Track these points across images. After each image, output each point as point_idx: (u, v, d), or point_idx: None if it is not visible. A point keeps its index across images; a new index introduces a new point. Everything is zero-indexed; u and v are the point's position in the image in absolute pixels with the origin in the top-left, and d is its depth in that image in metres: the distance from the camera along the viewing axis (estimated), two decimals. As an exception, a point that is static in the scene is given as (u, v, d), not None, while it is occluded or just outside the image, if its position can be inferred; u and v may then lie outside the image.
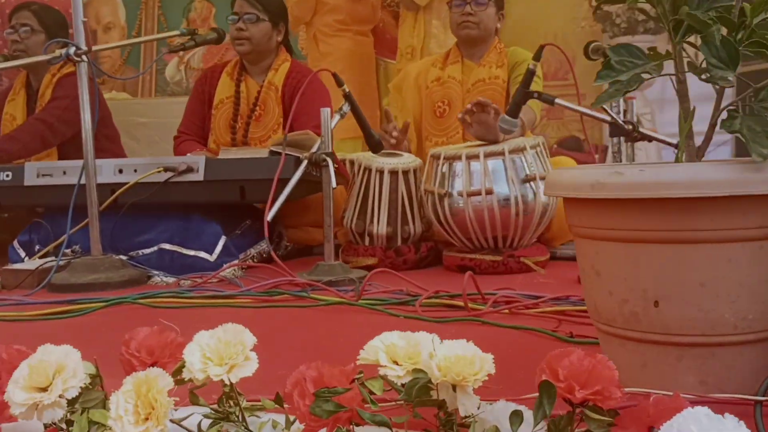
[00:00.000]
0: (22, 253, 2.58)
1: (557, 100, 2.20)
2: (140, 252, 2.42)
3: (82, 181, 2.28)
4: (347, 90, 2.33)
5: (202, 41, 2.79)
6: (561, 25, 6.24)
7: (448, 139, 2.91)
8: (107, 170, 2.45)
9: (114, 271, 2.26)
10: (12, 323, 1.77)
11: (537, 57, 2.22)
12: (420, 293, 1.83)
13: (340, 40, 4.87)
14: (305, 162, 2.24)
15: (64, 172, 2.51)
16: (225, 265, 2.32)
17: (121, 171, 2.44)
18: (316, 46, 5.01)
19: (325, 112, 2.26)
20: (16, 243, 2.62)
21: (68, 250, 2.47)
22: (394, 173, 2.44)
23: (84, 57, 2.26)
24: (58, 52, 2.25)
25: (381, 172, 2.44)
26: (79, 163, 2.49)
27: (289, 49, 3.20)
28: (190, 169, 2.37)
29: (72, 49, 2.23)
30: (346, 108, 2.34)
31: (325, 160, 2.21)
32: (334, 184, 2.21)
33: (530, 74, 2.23)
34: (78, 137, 3.21)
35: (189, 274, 2.30)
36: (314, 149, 2.26)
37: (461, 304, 1.72)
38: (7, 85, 3.74)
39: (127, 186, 2.36)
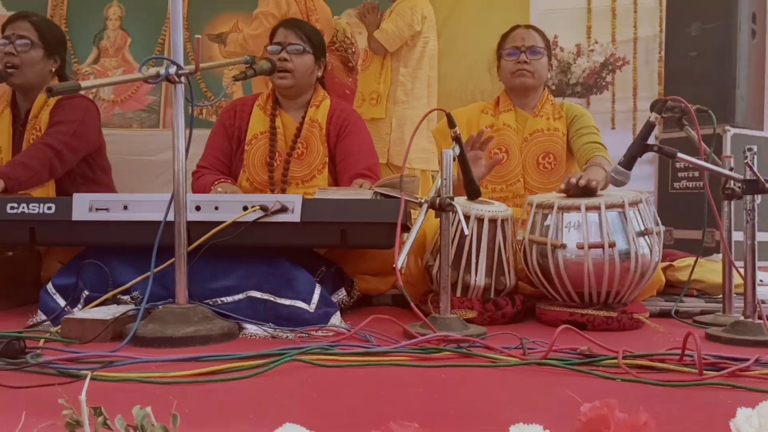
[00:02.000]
0: (60, 300, 2.21)
1: (679, 154, 2.16)
2: (221, 300, 2.13)
3: (165, 218, 1.99)
4: (458, 132, 2.19)
5: (260, 71, 2.56)
6: (488, 83, 6.38)
7: (507, 186, 2.83)
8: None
9: (207, 322, 1.97)
10: (166, 386, 1.47)
11: (659, 110, 2.19)
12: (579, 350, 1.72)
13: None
14: (426, 206, 2.07)
15: (125, 207, 2.18)
16: (332, 317, 2.09)
17: (198, 208, 2.16)
18: (265, 83, 4.79)
19: (448, 154, 2.10)
20: (50, 287, 2.24)
21: (126, 297, 2.14)
22: (492, 221, 2.32)
23: (183, 79, 1.99)
24: (153, 71, 1.97)
25: (480, 220, 2.31)
26: (140, 196, 2.20)
27: (323, 86, 3.01)
28: (284, 209, 2.13)
29: (173, 69, 1.96)
30: (456, 151, 2.19)
31: (451, 204, 2.05)
32: (467, 231, 2.05)
33: (649, 127, 2.19)
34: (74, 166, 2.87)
35: (291, 327, 2.05)
36: (432, 192, 2.10)
37: (666, 365, 1.62)
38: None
39: (224, 225, 2.08)
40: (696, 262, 2.53)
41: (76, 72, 6.58)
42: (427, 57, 4.74)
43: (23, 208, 2.19)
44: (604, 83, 6.13)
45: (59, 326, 2.06)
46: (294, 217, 2.13)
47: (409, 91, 4.61)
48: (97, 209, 2.18)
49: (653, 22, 6.20)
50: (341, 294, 2.36)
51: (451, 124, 2.18)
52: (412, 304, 2.02)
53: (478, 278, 2.29)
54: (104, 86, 2.67)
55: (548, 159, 2.84)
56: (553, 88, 6.07)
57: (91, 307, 2.09)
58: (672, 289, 2.63)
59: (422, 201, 2.09)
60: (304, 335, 2.01)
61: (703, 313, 2.45)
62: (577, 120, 2.87)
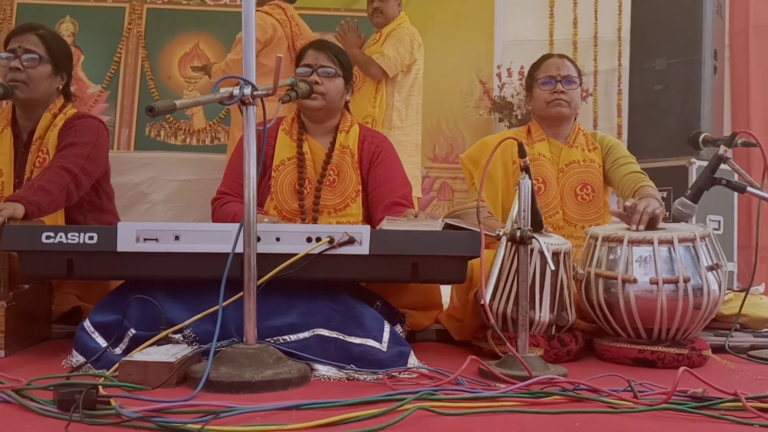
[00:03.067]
0: (100, 339, 2.01)
1: (749, 189, 2.14)
2: (283, 338, 1.97)
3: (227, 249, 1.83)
4: (528, 162, 2.10)
5: (302, 94, 2.43)
6: (454, 112, 6.39)
7: (546, 218, 2.75)
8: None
9: (281, 363, 1.82)
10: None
11: (729, 144, 2.16)
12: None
13: (275, 104, 4.54)
14: (505, 238, 1.98)
15: (177, 237, 2.01)
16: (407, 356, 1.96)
17: (259, 239, 2.00)
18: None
19: (526, 184, 2.01)
20: (88, 325, 2.03)
21: (178, 336, 1.96)
22: (555, 255, 2.23)
23: (257, 101, 1.85)
24: (225, 91, 1.82)
25: (543, 254, 2.22)
26: (193, 226, 2.04)
27: (349, 111, 2.89)
28: (351, 240, 2.00)
29: (248, 89, 1.81)
30: (528, 181, 2.11)
31: (532, 237, 1.96)
32: (552, 266, 1.96)
33: (718, 159, 2.16)
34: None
35: (364, 367, 1.91)
36: (508, 223, 2.01)
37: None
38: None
39: (296, 257, 1.93)
40: (746, 296, 2.50)
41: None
42: (418, 84, 4.68)
43: (61, 237, 1.98)
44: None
45: (104, 369, 1.89)
46: (362, 249, 2.00)
47: (404, 117, 4.54)
48: (145, 239, 2.00)
49: (613, 56, 6.32)
50: (398, 330, 2.23)
51: (522, 153, 2.09)
52: (509, 346, 1.91)
53: (543, 314, 2.20)
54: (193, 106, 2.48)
55: (586, 190, 2.78)
56: (519, 117, 6.08)
57: (144, 348, 1.89)
58: (713, 322, 2.60)
59: (500, 233, 1.99)
60: (378, 376, 1.87)
61: (753, 348, 2.42)
62: (613, 150, 2.83)
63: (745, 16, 5.68)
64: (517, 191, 2.03)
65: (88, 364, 1.95)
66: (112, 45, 6.44)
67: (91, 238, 1.99)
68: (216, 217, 2.60)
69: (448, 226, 2.10)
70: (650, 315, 2.14)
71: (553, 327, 2.25)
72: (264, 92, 1.83)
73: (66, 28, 6.51)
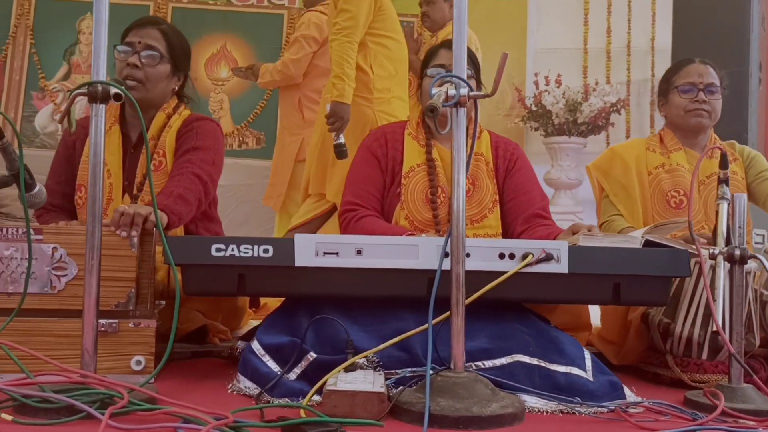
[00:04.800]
0: (271, 363, 1.81)
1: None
2: (476, 364, 1.78)
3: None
4: (728, 174, 1.94)
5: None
6: (484, 120, 6.25)
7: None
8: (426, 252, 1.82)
9: (498, 395, 1.64)
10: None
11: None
12: None
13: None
14: (722, 258, 1.81)
15: (359, 252, 1.82)
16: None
17: (447, 255, 1.82)
18: (299, 112, 4.46)
19: (740, 198, 1.85)
20: (257, 347, 1.83)
21: (362, 361, 1.77)
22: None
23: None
24: (439, 92, 1.63)
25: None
26: (376, 239, 1.86)
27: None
28: (549, 257, 1.82)
29: (464, 90, 1.63)
30: (729, 194, 1.95)
31: (754, 256, 1.80)
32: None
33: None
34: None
35: (570, 398, 1.73)
36: (719, 241, 1.84)
37: None
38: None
39: (506, 275, 1.75)
40: None
41: (43, 89, 6.01)
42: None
43: (232, 250, 1.79)
44: (608, 124, 6.08)
45: (285, 398, 1.70)
46: (561, 267, 1.83)
47: None
48: (324, 254, 1.80)
49: (645, 66, 6.24)
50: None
51: (724, 165, 1.92)
52: (755, 378, 1.74)
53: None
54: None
55: (730, 204, 2.63)
56: (556, 125, 5.97)
57: (333, 375, 1.69)
58: None
59: (715, 251, 1.82)
60: (601, 410, 1.69)
61: None
62: (755, 162, 2.69)
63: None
64: (723, 206, 1.87)
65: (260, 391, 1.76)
66: (136, 43, 6.21)
67: (266, 251, 1.80)
68: (353, 231, 2.39)
69: (648, 243, 1.93)
70: None
71: (737, 352, 2.08)
72: (482, 94, 1.65)
73: (87, 26, 6.29)
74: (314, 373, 1.76)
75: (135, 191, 2.42)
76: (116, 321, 1.85)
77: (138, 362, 1.84)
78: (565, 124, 6.01)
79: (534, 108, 5.98)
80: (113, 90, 1.58)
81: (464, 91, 1.62)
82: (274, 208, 4.58)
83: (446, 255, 1.80)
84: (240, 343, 2.21)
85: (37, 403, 1.49)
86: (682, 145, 2.73)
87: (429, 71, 2.55)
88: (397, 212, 2.49)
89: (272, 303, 2.98)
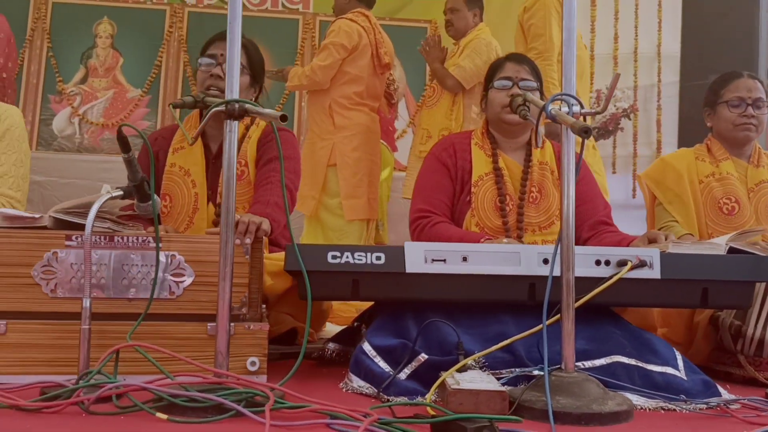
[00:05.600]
0: (383, 364, 1.91)
1: None
2: (576, 364, 1.89)
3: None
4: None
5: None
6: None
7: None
8: (527, 258, 1.93)
9: (608, 394, 1.75)
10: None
11: None
12: None
13: (357, 114, 4.46)
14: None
15: (464, 258, 1.93)
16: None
17: (546, 261, 1.94)
18: (330, 117, 4.54)
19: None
20: (369, 349, 1.93)
21: (470, 362, 1.88)
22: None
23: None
24: (553, 110, 1.74)
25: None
26: (480, 247, 1.97)
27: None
28: (643, 264, 1.94)
29: (576, 107, 1.74)
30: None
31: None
32: None
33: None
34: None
35: (666, 397, 1.84)
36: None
37: None
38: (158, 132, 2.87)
39: (610, 281, 1.87)
40: None
41: (61, 92, 6.06)
42: (498, 96, 4.62)
43: (347, 257, 1.89)
44: (618, 128, 6.22)
45: (401, 396, 1.80)
46: (654, 273, 1.95)
47: None
48: (433, 260, 1.91)
49: (652, 72, 6.37)
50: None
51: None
52: None
53: (802, 339, 2.17)
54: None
55: (780, 211, 2.77)
56: (571, 131, 6.08)
57: (450, 374, 1.80)
58: None
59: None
60: (700, 407, 1.81)
61: None
62: None
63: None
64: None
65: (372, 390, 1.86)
66: (152, 48, 6.29)
67: (378, 258, 1.90)
68: (428, 237, 2.48)
69: (731, 250, 2.05)
70: None
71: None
72: (593, 111, 1.76)
73: (104, 30, 6.33)
74: (425, 373, 1.86)
75: (219, 200, 2.51)
76: (232, 324, 1.94)
77: (253, 363, 1.93)
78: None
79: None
80: (274, 113, 1.65)
81: (576, 108, 1.73)
82: (305, 212, 4.63)
83: (545, 261, 1.92)
84: (330, 345, 2.31)
85: (185, 403, 1.57)
86: (730, 155, 2.86)
87: (496, 83, 2.66)
88: (468, 219, 2.59)
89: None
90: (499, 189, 2.60)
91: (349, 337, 2.32)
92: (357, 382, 1.90)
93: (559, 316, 1.76)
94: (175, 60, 6.29)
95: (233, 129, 1.73)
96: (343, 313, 3.05)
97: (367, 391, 1.88)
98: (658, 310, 2.46)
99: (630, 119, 6.23)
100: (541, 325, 1.78)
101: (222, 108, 1.70)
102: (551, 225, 2.59)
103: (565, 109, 1.74)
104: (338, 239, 4.17)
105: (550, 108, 1.72)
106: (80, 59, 6.27)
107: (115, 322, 1.88)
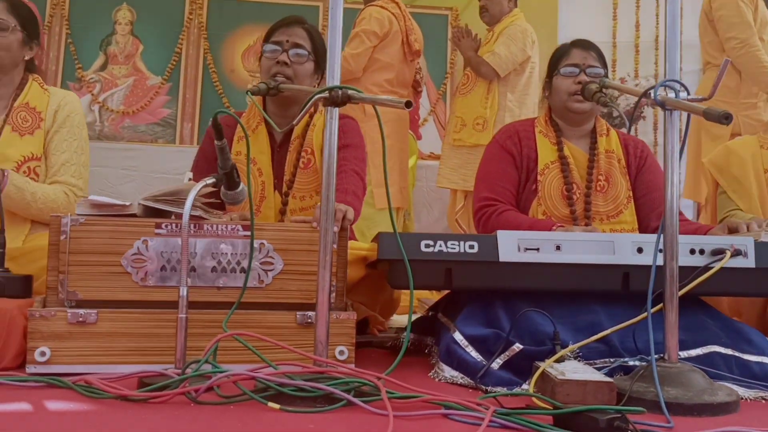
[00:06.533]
0: (475, 354, 1.89)
1: None
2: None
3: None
4: None
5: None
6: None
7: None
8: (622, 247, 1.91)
9: (714, 384, 1.73)
10: None
11: None
12: None
13: None
14: None
15: (558, 247, 1.90)
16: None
17: (640, 250, 1.91)
18: (360, 106, 4.50)
19: None
20: (460, 338, 1.91)
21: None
22: None
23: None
24: (656, 91, 1.72)
25: None
26: (573, 235, 1.95)
27: (599, 116, 2.81)
28: (738, 253, 1.92)
29: (683, 94, 1.71)
30: None
31: None
32: None
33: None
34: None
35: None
36: None
37: None
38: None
39: (713, 270, 1.85)
40: None
41: (80, 79, 6.01)
42: (533, 83, 4.60)
43: (440, 246, 1.87)
44: (641, 117, 6.21)
45: (498, 386, 1.78)
46: (748, 262, 1.93)
47: (517, 117, 4.43)
48: (526, 249, 1.89)
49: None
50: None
51: None
52: None
53: None
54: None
55: None
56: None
57: (549, 365, 1.78)
58: None
59: None
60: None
61: None
62: None
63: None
64: None
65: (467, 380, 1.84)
66: (172, 35, 6.25)
67: (471, 246, 1.88)
68: (495, 225, 2.46)
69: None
70: None
71: None
72: (701, 98, 1.73)
73: (123, 16, 6.28)
74: (519, 363, 1.84)
75: (285, 189, 2.48)
76: (320, 313, 1.91)
77: (341, 352, 1.91)
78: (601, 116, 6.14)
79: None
80: (397, 100, 1.61)
81: (683, 94, 1.70)
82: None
83: (639, 250, 1.90)
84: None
85: (293, 392, 1.55)
86: (788, 144, 2.85)
87: (562, 70, 2.63)
88: (534, 208, 2.57)
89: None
90: (566, 177, 2.58)
91: (424, 326, 2.29)
92: (449, 372, 1.88)
93: (661, 305, 1.74)
94: (196, 47, 6.24)
95: (334, 116, 1.70)
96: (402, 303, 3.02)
97: (461, 381, 1.86)
98: (728, 299, 2.45)
99: (653, 108, 6.22)
100: (640, 315, 1.76)
101: (325, 95, 1.66)
102: (619, 214, 2.56)
103: (671, 95, 1.71)
104: (368, 228, 4.14)
105: (658, 94, 1.69)
106: (99, 46, 6.22)
107: (204, 311, 1.85)
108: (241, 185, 1.92)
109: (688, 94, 1.72)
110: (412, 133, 5.53)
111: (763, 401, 1.79)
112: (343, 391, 1.55)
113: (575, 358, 1.85)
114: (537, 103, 4.63)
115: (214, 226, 1.89)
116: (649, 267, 1.82)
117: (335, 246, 1.96)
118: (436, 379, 1.89)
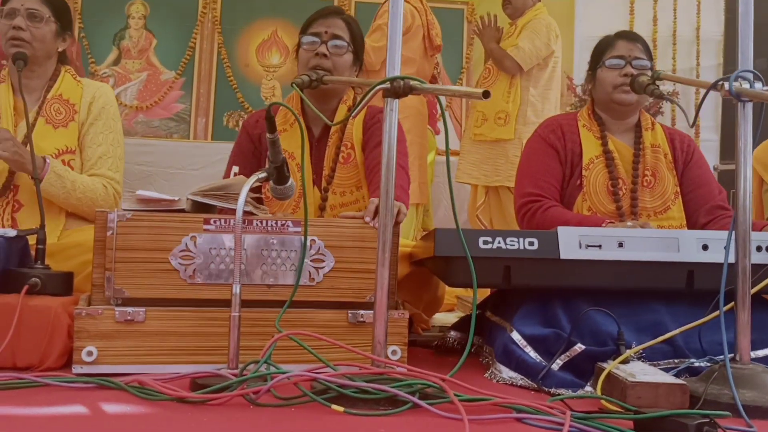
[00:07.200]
0: (534, 354, 1.82)
1: None
2: (739, 355, 1.81)
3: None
4: None
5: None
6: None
7: None
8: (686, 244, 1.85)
9: (787, 385, 1.67)
10: None
11: None
12: None
13: (408, 96, 4.32)
14: None
15: (620, 244, 1.84)
16: None
17: (705, 247, 1.85)
18: (382, 99, 4.41)
19: None
20: (518, 338, 1.85)
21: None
22: None
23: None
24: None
25: None
26: (635, 232, 1.87)
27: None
28: (787, 247, 1.86)
29: (746, 83, 1.65)
30: None
31: None
32: None
33: None
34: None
35: None
36: None
37: None
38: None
39: None
40: None
41: (94, 73, 5.94)
42: (556, 78, 4.53)
43: (499, 243, 1.80)
44: (660, 112, 6.14)
45: (561, 388, 1.72)
46: (802, 258, 1.86)
47: (539, 112, 4.37)
48: (587, 246, 1.82)
49: (690, 55, 6.28)
50: None
51: None
52: None
53: None
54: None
55: None
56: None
57: (614, 366, 1.71)
58: None
59: None
60: None
61: None
62: None
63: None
64: None
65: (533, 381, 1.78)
66: (186, 29, 6.17)
67: (531, 243, 1.81)
68: (541, 222, 2.39)
69: None
70: None
71: None
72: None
73: (136, 10, 6.20)
74: (580, 364, 1.78)
75: (324, 184, 2.42)
76: (371, 312, 1.85)
77: (394, 352, 1.85)
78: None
79: (585, 96, 6.00)
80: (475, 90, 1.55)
81: (759, 85, 1.64)
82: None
83: (704, 248, 1.83)
84: (452, 333, 2.23)
85: (355, 394, 1.49)
86: None
87: (607, 62, 2.56)
88: (579, 203, 2.49)
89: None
90: (611, 172, 2.51)
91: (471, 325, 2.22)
92: (507, 373, 1.82)
93: (732, 304, 1.67)
94: (209, 41, 6.17)
95: (394, 108, 1.64)
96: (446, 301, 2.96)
97: (521, 383, 1.80)
98: None
99: (673, 103, 6.15)
100: (711, 314, 1.70)
101: (386, 86, 1.59)
102: (667, 210, 2.49)
103: (746, 85, 1.64)
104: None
105: (733, 85, 1.62)
106: (113, 40, 6.15)
107: (253, 309, 1.79)
108: (290, 180, 1.86)
109: (764, 84, 1.65)
110: (430, 128, 5.47)
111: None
112: (407, 393, 1.49)
113: (639, 359, 1.79)
114: (559, 98, 4.56)
115: (264, 222, 1.83)
116: (714, 265, 1.77)
117: (390, 243, 1.90)
118: (494, 380, 1.83)
